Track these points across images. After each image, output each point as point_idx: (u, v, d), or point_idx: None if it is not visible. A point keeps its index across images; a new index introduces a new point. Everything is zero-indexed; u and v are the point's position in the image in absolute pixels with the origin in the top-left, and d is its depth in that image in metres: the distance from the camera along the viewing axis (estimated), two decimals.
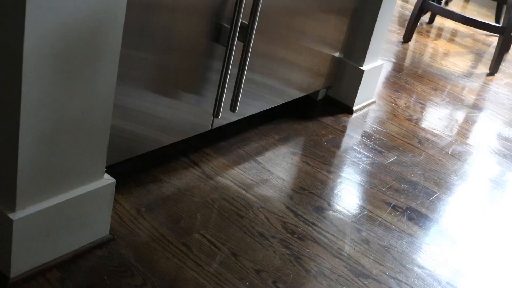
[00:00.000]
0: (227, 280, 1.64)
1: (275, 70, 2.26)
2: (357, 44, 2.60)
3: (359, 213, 2.04)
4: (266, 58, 2.18)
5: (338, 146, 2.42)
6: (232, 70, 1.89)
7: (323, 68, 2.53)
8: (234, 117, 2.18)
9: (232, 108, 1.99)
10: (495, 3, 4.11)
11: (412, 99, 2.99)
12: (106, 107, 1.49)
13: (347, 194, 2.11)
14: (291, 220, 1.92)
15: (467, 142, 2.70)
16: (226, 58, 1.86)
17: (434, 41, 3.92)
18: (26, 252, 1.47)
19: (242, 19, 1.83)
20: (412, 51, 3.66)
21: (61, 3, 1.27)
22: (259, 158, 2.19)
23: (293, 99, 2.44)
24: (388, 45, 3.63)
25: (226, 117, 2.11)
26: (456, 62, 3.62)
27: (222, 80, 1.90)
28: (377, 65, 2.71)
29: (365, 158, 2.36)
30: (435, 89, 3.16)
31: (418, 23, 3.90)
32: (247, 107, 2.21)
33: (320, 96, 2.70)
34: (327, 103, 2.69)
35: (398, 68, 3.35)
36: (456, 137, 2.71)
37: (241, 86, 1.95)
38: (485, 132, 2.87)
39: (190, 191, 1.95)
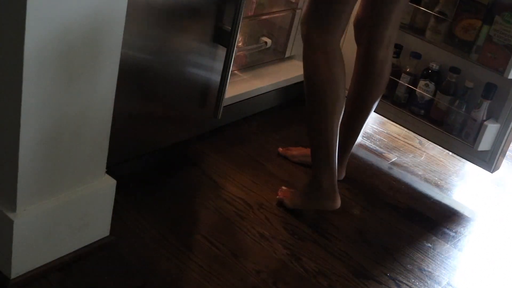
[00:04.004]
0: (227, 281, 1.64)
1: None
2: None
3: (360, 214, 2.04)
4: None
5: None
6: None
7: None
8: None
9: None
10: None
11: None
12: (107, 107, 1.49)
13: (348, 195, 2.11)
14: (292, 221, 1.92)
15: None
16: (227, 59, 1.86)
17: None
18: (27, 253, 1.47)
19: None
20: None
21: (61, 4, 1.27)
22: (259, 159, 2.19)
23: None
24: None
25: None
26: None
27: (222, 80, 1.90)
28: None
29: (366, 159, 2.35)
30: None
31: None
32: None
33: None
34: None
35: None
36: None
37: None
38: None
39: (191, 191, 1.95)
